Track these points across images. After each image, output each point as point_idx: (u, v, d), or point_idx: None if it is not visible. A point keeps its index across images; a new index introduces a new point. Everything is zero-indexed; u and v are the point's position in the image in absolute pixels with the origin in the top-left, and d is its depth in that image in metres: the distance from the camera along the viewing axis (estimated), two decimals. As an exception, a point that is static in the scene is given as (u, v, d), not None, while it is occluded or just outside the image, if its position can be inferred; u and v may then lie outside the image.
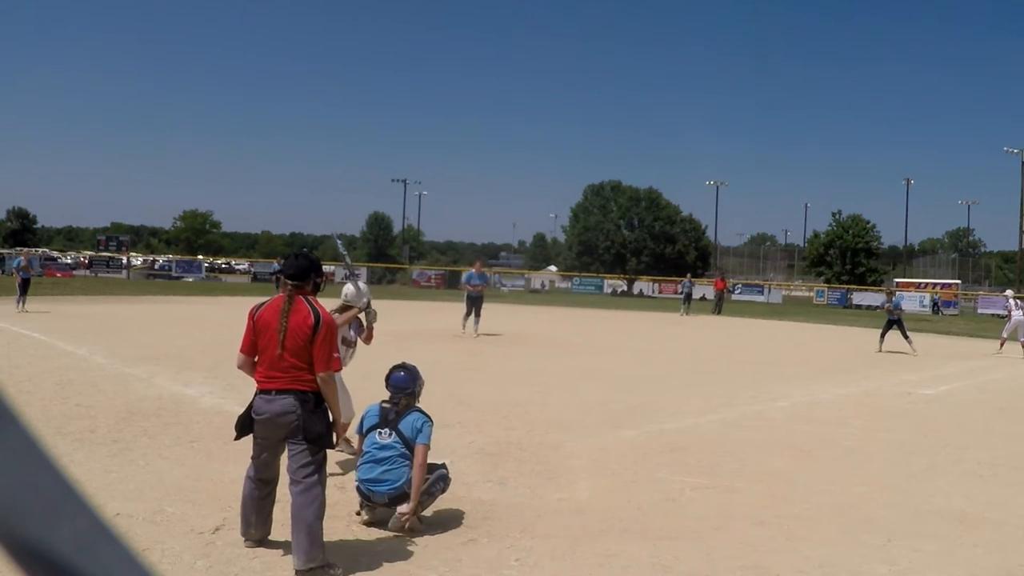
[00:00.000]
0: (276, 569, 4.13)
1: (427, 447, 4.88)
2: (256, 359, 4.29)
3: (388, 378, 5.12)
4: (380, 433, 4.89)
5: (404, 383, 5.07)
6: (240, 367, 4.43)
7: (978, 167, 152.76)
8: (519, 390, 10.39)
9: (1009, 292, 19.40)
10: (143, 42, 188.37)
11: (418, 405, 5.11)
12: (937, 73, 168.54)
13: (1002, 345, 18.70)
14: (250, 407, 4.31)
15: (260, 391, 4.25)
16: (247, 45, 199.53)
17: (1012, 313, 18.62)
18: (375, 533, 4.77)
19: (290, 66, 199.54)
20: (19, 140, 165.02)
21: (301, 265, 4.41)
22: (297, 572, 3.99)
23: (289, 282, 4.32)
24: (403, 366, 5.21)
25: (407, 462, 4.83)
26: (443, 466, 5.21)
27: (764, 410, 9.68)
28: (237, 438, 4.42)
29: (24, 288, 19.13)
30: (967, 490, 6.36)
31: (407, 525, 4.73)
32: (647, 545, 4.73)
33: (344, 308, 6.23)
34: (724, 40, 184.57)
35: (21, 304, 18.78)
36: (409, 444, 4.86)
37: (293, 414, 4.11)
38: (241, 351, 4.35)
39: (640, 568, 4.39)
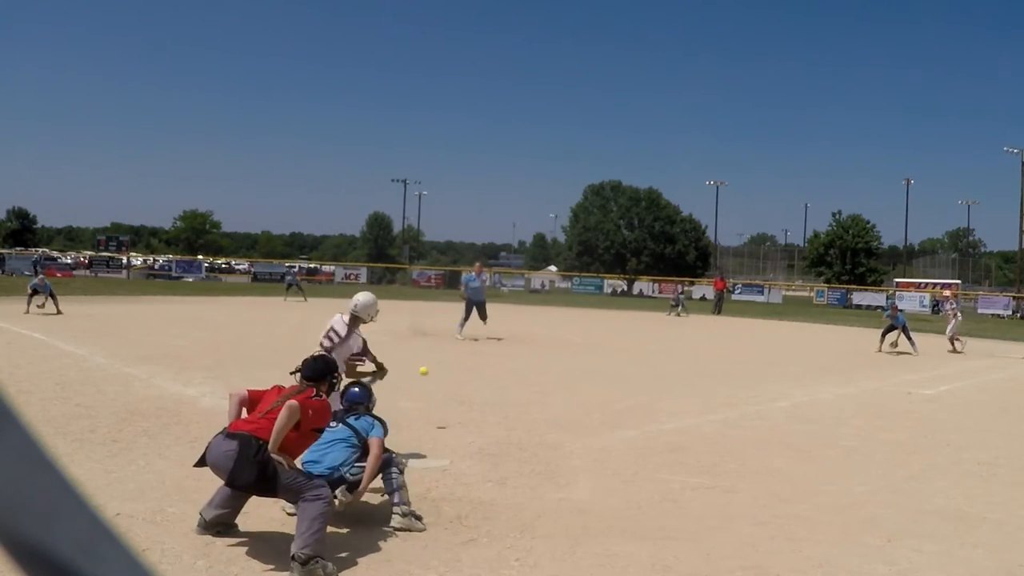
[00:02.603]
0: (276, 569, 4.13)
1: (381, 440, 5.02)
2: (245, 409, 4.58)
3: (343, 394, 5.39)
4: (331, 425, 5.00)
5: (359, 398, 5.38)
6: (231, 394, 4.74)
7: (978, 167, 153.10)
8: (519, 390, 10.39)
9: (947, 293, 20.06)
10: (143, 42, 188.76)
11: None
12: (937, 73, 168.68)
13: (953, 343, 18.98)
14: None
15: (224, 432, 4.42)
16: (247, 45, 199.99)
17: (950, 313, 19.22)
18: (376, 533, 4.77)
19: (290, 66, 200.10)
20: (19, 140, 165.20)
21: (319, 368, 4.74)
22: (292, 556, 4.06)
23: (306, 381, 4.63)
24: (358, 383, 5.52)
25: (352, 450, 4.91)
26: (388, 451, 5.15)
27: (764, 410, 9.68)
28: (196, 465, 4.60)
29: (34, 294, 19.33)
30: (967, 490, 6.36)
31: (349, 502, 4.81)
32: (647, 545, 4.73)
33: (355, 319, 6.24)
34: (724, 40, 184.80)
35: (29, 305, 18.94)
36: (360, 436, 4.99)
37: (231, 459, 4.21)
38: (245, 390, 4.71)
39: (640, 568, 4.39)
